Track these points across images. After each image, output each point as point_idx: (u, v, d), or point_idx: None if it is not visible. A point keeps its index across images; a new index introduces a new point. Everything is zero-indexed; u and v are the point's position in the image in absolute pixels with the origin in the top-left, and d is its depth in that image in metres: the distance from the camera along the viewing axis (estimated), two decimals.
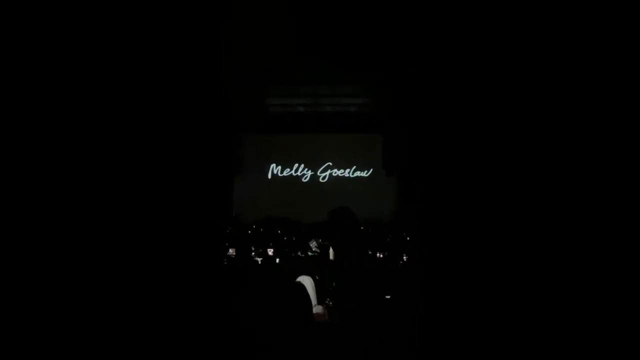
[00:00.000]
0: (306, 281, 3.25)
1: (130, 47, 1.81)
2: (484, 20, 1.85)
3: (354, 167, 9.04)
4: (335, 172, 9.05)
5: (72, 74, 1.70)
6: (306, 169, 9.06)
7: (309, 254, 3.43)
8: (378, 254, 6.38)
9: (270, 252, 6.32)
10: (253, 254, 6.23)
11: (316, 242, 3.53)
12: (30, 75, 1.66)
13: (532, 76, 1.78)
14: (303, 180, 9.08)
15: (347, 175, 9.05)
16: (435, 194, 1.92)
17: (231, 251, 6.11)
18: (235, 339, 2.20)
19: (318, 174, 9.05)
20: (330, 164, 9.06)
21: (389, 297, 3.16)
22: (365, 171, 9.04)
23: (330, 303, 3.39)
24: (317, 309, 3.31)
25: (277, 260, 5.97)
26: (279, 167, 9.08)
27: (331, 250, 3.58)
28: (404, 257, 6.22)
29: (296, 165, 9.06)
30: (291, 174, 9.06)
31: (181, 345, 1.72)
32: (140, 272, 1.72)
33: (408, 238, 7.05)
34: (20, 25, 1.63)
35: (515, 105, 1.78)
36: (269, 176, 9.10)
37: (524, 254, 1.72)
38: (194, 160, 1.86)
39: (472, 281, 1.77)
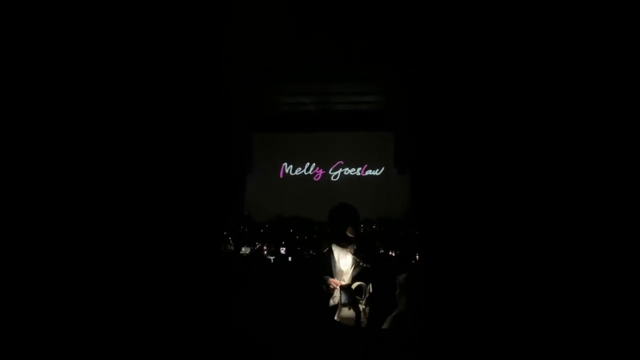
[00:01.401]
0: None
1: (130, 50, 1.82)
2: (491, 18, 1.82)
3: (366, 165, 9.01)
4: (347, 171, 9.03)
5: (71, 73, 1.72)
6: (318, 168, 9.06)
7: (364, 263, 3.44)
8: (390, 253, 6.35)
9: (282, 250, 6.34)
10: (265, 252, 6.25)
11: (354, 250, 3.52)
12: (34, 77, 1.68)
13: (540, 80, 1.75)
14: (314, 179, 9.08)
15: (359, 173, 9.02)
16: (436, 193, 1.90)
17: (244, 250, 6.15)
18: (239, 340, 2.21)
19: (330, 172, 9.04)
20: (342, 162, 9.04)
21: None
22: (377, 169, 9.00)
23: (366, 307, 3.38)
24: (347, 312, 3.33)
25: (290, 258, 5.98)
26: (291, 166, 9.09)
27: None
28: (417, 256, 6.17)
29: (308, 164, 9.06)
30: (303, 172, 9.07)
31: (180, 346, 1.73)
32: (135, 271, 1.73)
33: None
34: (22, 26, 1.66)
35: (520, 108, 1.75)
36: (281, 175, 9.12)
37: (528, 256, 1.69)
38: (191, 160, 1.86)
39: (474, 282, 1.75)
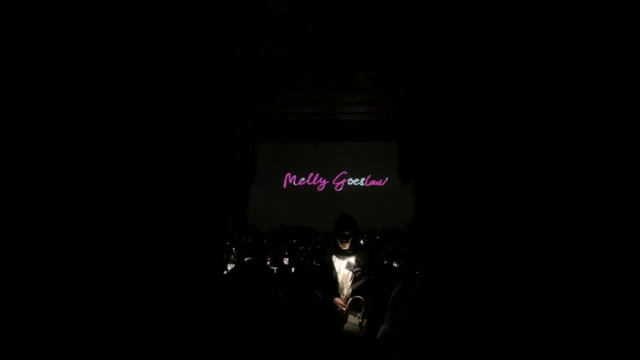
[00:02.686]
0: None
1: (130, 55, 1.82)
2: (498, 25, 1.81)
3: (370, 175, 8.99)
4: (351, 181, 9.01)
5: (63, 72, 1.71)
6: (321, 178, 9.04)
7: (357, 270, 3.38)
8: (394, 264, 6.31)
9: (285, 261, 6.31)
10: (269, 263, 6.22)
11: (355, 262, 3.49)
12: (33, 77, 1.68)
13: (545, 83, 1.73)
14: (318, 189, 9.06)
15: (363, 184, 9.00)
16: (440, 203, 1.87)
17: (247, 259, 6.11)
18: (238, 344, 2.19)
19: (333, 182, 9.02)
20: (345, 172, 9.03)
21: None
22: (381, 179, 8.98)
23: (363, 321, 3.34)
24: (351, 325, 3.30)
25: (293, 269, 5.95)
26: (294, 177, 9.08)
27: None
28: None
29: (311, 174, 9.05)
30: (306, 183, 9.06)
31: (178, 351, 1.70)
32: (134, 281, 1.71)
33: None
34: (19, 25, 1.66)
35: (528, 117, 1.73)
36: (284, 185, 9.11)
37: (535, 266, 1.67)
38: (195, 169, 1.85)
39: (477, 293, 1.72)
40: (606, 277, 1.52)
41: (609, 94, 1.61)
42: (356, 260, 3.41)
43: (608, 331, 1.50)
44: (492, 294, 1.66)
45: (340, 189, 9.02)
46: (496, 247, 1.68)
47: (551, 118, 1.65)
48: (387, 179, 8.97)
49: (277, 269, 5.59)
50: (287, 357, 2.23)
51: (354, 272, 3.38)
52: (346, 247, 3.43)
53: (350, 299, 3.31)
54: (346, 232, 3.43)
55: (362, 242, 4.98)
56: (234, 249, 6.34)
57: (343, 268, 3.45)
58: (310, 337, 2.23)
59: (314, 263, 6.01)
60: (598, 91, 1.62)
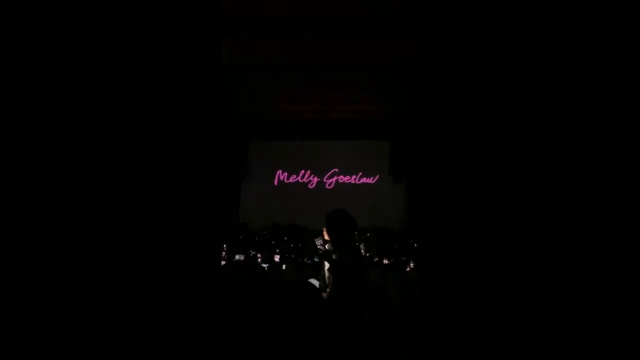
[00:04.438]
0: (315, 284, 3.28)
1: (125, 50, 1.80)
2: (495, 26, 1.82)
3: (361, 173, 9.03)
4: (342, 179, 9.04)
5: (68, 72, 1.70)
6: (312, 175, 9.06)
7: (319, 250, 3.44)
8: (384, 261, 6.37)
9: (276, 258, 6.33)
10: (259, 260, 6.23)
11: (322, 240, 3.56)
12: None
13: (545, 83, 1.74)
14: (309, 186, 9.07)
15: (354, 181, 9.03)
16: (435, 203, 1.89)
17: (238, 257, 6.12)
18: (239, 346, 2.19)
19: (324, 180, 9.04)
20: (337, 170, 9.05)
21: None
22: (372, 178, 9.02)
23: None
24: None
25: (284, 266, 5.97)
26: (285, 174, 9.08)
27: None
28: (411, 264, 6.19)
29: (302, 171, 9.05)
30: (297, 180, 9.06)
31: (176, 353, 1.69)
32: (130, 283, 1.70)
33: (416, 245, 7.01)
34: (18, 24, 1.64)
35: (523, 117, 1.75)
36: (275, 182, 9.11)
37: (529, 259, 1.69)
38: (190, 167, 1.84)
39: (474, 284, 1.74)
40: (605, 275, 1.56)
41: (608, 97, 1.64)
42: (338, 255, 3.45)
43: (608, 331, 1.54)
44: (492, 293, 1.69)
45: (331, 187, 9.05)
46: (497, 246, 1.71)
47: (551, 117, 1.68)
48: (378, 177, 9.01)
49: (268, 266, 5.60)
50: (287, 357, 2.23)
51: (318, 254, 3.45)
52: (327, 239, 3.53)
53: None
54: (324, 228, 3.54)
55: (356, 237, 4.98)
56: (225, 245, 6.34)
57: (327, 264, 3.51)
58: (310, 337, 2.24)
59: (305, 260, 6.03)
60: (597, 93, 1.65)
